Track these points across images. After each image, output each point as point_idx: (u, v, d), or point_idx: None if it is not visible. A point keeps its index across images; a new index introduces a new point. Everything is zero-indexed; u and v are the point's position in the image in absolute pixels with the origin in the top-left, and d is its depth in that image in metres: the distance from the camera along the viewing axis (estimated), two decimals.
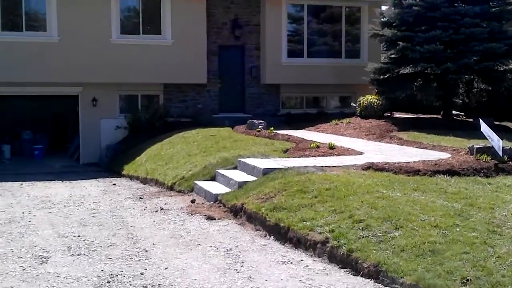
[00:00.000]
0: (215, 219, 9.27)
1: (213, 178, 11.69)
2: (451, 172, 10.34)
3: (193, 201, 10.64)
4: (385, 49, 20.09)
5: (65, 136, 21.50)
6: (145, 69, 19.15)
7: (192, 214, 9.62)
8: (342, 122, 18.00)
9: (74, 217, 9.60)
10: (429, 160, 11.26)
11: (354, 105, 19.76)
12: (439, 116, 20.20)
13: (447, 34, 17.14)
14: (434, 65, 17.22)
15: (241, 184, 10.39)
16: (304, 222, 8.09)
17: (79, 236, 8.32)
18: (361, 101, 19.04)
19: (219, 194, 10.35)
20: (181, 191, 11.75)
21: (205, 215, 9.46)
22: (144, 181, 13.88)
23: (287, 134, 15.20)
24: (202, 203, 10.46)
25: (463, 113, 20.47)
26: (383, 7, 20.40)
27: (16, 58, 17.97)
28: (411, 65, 18.27)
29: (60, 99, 20.54)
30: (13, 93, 19.09)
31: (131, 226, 8.87)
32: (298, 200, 8.90)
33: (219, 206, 10.08)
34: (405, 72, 19.14)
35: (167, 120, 19.46)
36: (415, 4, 17.39)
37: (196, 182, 11.57)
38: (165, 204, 10.58)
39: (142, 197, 11.42)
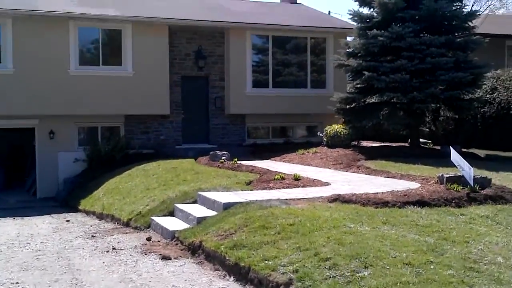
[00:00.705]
0: (170, 258, 8.44)
1: (171, 213, 10.88)
2: (421, 203, 9.70)
3: (148, 239, 9.79)
4: (350, 79, 19.67)
5: (23, 170, 20.46)
6: (105, 100, 18.36)
7: (146, 254, 8.77)
8: (308, 152, 17.39)
9: (16, 260, 8.66)
10: (398, 191, 10.64)
11: (321, 134, 19.21)
12: (407, 144, 19.77)
13: (412, 63, 16.77)
14: (400, 94, 16.79)
15: (200, 220, 9.61)
16: (266, 262, 7.31)
17: (17, 283, 7.40)
18: (328, 131, 18.51)
19: (177, 230, 9.54)
20: (137, 228, 10.89)
21: (160, 255, 8.62)
22: (100, 216, 12.98)
23: (251, 165, 14.49)
24: (158, 241, 9.62)
25: (430, 141, 20.07)
26: (348, 38, 20.03)
27: None
28: (377, 95, 17.84)
29: (19, 132, 19.59)
30: None
31: (77, 270, 7.98)
32: (260, 237, 8.14)
33: (176, 244, 9.25)
34: (371, 101, 18.71)
35: (128, 152, 18.65)
36: (380, 35, 16.99)
37: (153, 218, 10.73)
38: (118, 242, 9.71)
39: (94, 235, 10.51)
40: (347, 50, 18.59)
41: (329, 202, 9.92)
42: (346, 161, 15.53)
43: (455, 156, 10.86)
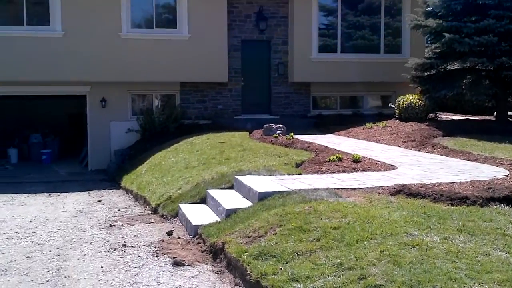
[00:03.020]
0: (184, 265, 6.58)
1: (203, 200, 9.01)
2: (510, 199, 7.35)
3: (169, 233, 7.99)
4: (429, 42, 16.96)
5: (81, 139, 19.25)
6: (160, 66, 16.63)
7: (158, 256, 6.96)
8: (377, 126, 15.05)
9: (3, 258, 7.06)
10: (480, 181, 8.28)
11: (393, 106, 16.74)
12: (492, 118, 16.99)
13: (501, 24, 13.98)
14: (486, 59, 14.10)
15: (230, 213, 7.68)
16: (295, 284, 5.32)
17: None
18: (401, 102, 16.02)
19: (201, 225, 7.66)
20: (164, 216, 9.12)
21: (174, 258, 6.78)
22: (136, 197, 11.35)
23: (308, 141, 12.37)
24: (179, 237, 7.78)
25: None
26: None
27: (16, 55, 15.71)
28: (459, 60, 15.15)
29: (75, 99, 18.31)
30: (16, 93, 16.85)
31: (65, 277, 6.27)
32: (294, 243, 6.13)
33: (198, 243, 7.39)
34: (452, 68, 16.02)
35: (184, 123, 16.93)
36: None
37: (181, 205, 8.90)
38: (134, 236, 7.96)
39: (113, 224, 8.81)
40: (426, 9, 15.91)
41: (391, 194, 7.73)
42: (420, 137, 13.11)
43: None
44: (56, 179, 15.16)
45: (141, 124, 16.69)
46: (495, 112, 16.48)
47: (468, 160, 10.46)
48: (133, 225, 8.64)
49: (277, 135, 13.12)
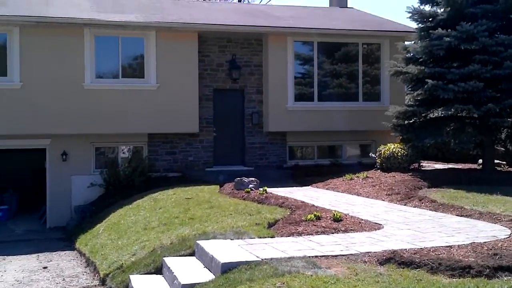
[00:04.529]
0: None
1: (159, 270, 7.53)
2: None
3: None
4: (410, 89, 15.86)
5: (41, 194, 17.62)
6: (126, 117, 15.30)
7: None
8: (358, 177, 13.76)
9: None
10: (481, 244, 6.96)
11: (373, 155, 15.52)
12: (476, 166, 15.84)
13: (487, 69, 12.97)
14: (472, 106, 12.99)
15: None
16: None
17: None
18: (382, 151, 14.81)
19: None
20: None
21: None
22: (88, 262, 9.80)
23: (283, 196, 10.99)
24: None
25: (504, 162, 16.00)
26: (407, 43, 16.18)
27: None
28: (442, 108, 14.05)
29: (39, 152, 16.79)
30: None
31: None
32: None
33: None
34: (435, 116, 14.93)
35: (151, 176, 15.53)
36: (446, 35, 13.24)
37: (132, 276, 7.40)
38: None
39: None
40: (406, 55, 14.90)
41: (379, 263, 6.35)
42: (404, 190, 11.81)
43: None
44: (9, 239, 13.57)
45: (105, 178, 15.24)
46: (481, 161, 15.32)
47: (461, 215, 9.16)
48: None
49: (250, 189, 11.74)
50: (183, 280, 6.38)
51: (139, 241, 8.93)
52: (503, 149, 16.36)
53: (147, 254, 8.11)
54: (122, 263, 8.16)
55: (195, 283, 6.27)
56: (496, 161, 15.11)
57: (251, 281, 5.81)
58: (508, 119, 14.27)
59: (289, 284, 5.57)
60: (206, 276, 6.49)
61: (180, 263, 7.19)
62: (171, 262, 7.25)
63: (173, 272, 6.77)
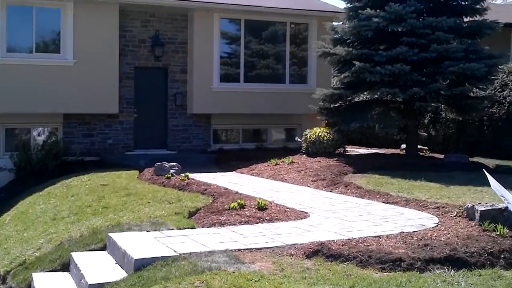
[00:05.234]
0: None
1: (66, 267, 6.81)
2: (454, 260, 5.75)
3: None
4: (337, 71, 15.55)
5: None
6: (40, 96, 14.16)
7: None
8: (283, 162, 13.36)
9: None
10: (411, 234, 6.68)
11: (299, 139, 15.19)
12: (400, 151, 15.83)
13: (414, 52, 12.80)
14: (398, 90, 12.81)
15: None
16: None
17: None
18: (308, 135, 14.49)
19: None
20: None
21: None
22: None
23: (205, 183, 10.42)
24: None
25: (426, 148, 16.10)
26: (335, 24, 15.85)
27: None
28: (369, 91, 13.85)
29: None
30: None
31: None
32: None
33: None
34: (362, 99, 14.74)
35: (67, 160, 14.50)
36: (375, 15, 12.95)
37: (35, 275, 6.64)
38: None
39: None
40: (334, 36, 14.56)
41: (306, 257, 5.93)
42: (330, 175, 11.51)
43: (494, 183, 6.85)
44: None
45: (15, 162, 14.10)
46: (405, 146, 15.31)
47: (388, 203, 8.92)
48: None
49: (171, 175, 11.08)
50: (91, 280, 5.71)
51: (46, 233, 8.12)
52: (425, 134, 16.45)
53: (54, 249, 7.34)
54: (26, 259, 7.36)
55: (104, 283, 5.62)
56: (418, 146, 15.14)
57: (166, 280, 5.24)
58: (432, 104, 14.32)
59: (209, 283, 5.04)
60: (118, 274, 5.86)
61: (89, 259, 6.50)
62: (79, 258, 6.54)
63: (80, 270, 6.08)
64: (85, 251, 6.88)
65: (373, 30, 13.04)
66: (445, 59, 12.78)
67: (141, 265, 5.69)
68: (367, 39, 13.49)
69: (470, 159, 14.09)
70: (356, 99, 15.18)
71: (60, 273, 6.66)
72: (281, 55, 17.24)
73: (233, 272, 5.28)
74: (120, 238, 6.55)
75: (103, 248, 6.89)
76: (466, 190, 9.85)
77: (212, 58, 16.06)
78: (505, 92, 15.52)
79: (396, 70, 12.49)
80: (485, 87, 13.98)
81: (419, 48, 12.95)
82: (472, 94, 14.51)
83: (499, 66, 13.94)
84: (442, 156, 14.69)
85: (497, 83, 15.51)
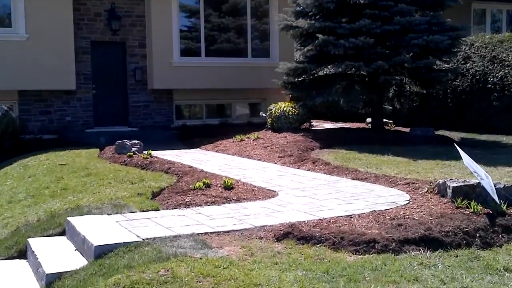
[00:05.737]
0: None
1: (22, 254, 6.38)
2: (429, 240, 5.55)
3: None
4: (300, 45, 15.23)
5: None
6: None
7: None
8: (249, 138, 13.06)
9: None
10: (383, 212, 6.46)
11: (264, 115, 14.89)
12: (365, 125, 15.70)
13: (377, 24, 12.55)
14: (363, 63, 12.58)
15: (52, 280, 5.19)
16: None
17: None
18: (273, 110, 14.19)
19: None
20: None
21: None
22: None
23: (169, 161, 10.05)
24: None
25: (391, 121, 16.03)
26: None
27: None
28: (332, 65, 13.59)
29: None
30: None
31: None
32: None
33: None
34: (326, 73, 14.49)
35: (24, 138, 13.93)
36: None
37: None
38: None
39: None
40: (296, 8, 14.20)
41: (277, 239, 5.65)
42: (297, 151, 11.26)
43: (467, 159, 6.70)
44: None
45: None
46: (370, 119, 15.17)
47: (357, 179, 8.70)
48: None
49: (132, 153, 10.65)
50: (48, 269, 5.32)
51: (1, 218, 7.63)
52: (390, 107, 16.37)
53: (10, 234, 6.89)
54: None
55: (62, 272, 5.23)
56: (384, 120, 15.03)
57: (129, 268, 4.88)
58: (397, 77, 14.18)
59: (175, 271, 4.71)
60: (77, 261, 5.48)
61: (47, 245, 6.09)
62: (36, 244, 6.13)
63: (37, 258, 5.68)
64: (42, 236, 6.47)
65: (335, 2, 12.75)
66: (409, 31, 12.59)
67: (102, 252, 5.32)
68: (329, 11, 13.18)
69: (436, 133, 14.06)
70: (321, 73, 14.92)
71: (17, 260, 6.24)
72: (242, 29, 16.83)
73: (200, 259, 4.97)
74: (80, 223, 6.16)
75: (62, 233, 6.48)
76: (434, 164, 9.73)
77: (171, 32, 15.55)
78: (468, 65, 15.51)
79: (360, 43, 12.24)
80: (448, 59, 13.94)
81: (382, 21, 12.70)
82: (435, 67, 14.40)
83: (462, 39, 13.83)
84: (407, 129, 14.61)
85: (460, 55, 15.48)
